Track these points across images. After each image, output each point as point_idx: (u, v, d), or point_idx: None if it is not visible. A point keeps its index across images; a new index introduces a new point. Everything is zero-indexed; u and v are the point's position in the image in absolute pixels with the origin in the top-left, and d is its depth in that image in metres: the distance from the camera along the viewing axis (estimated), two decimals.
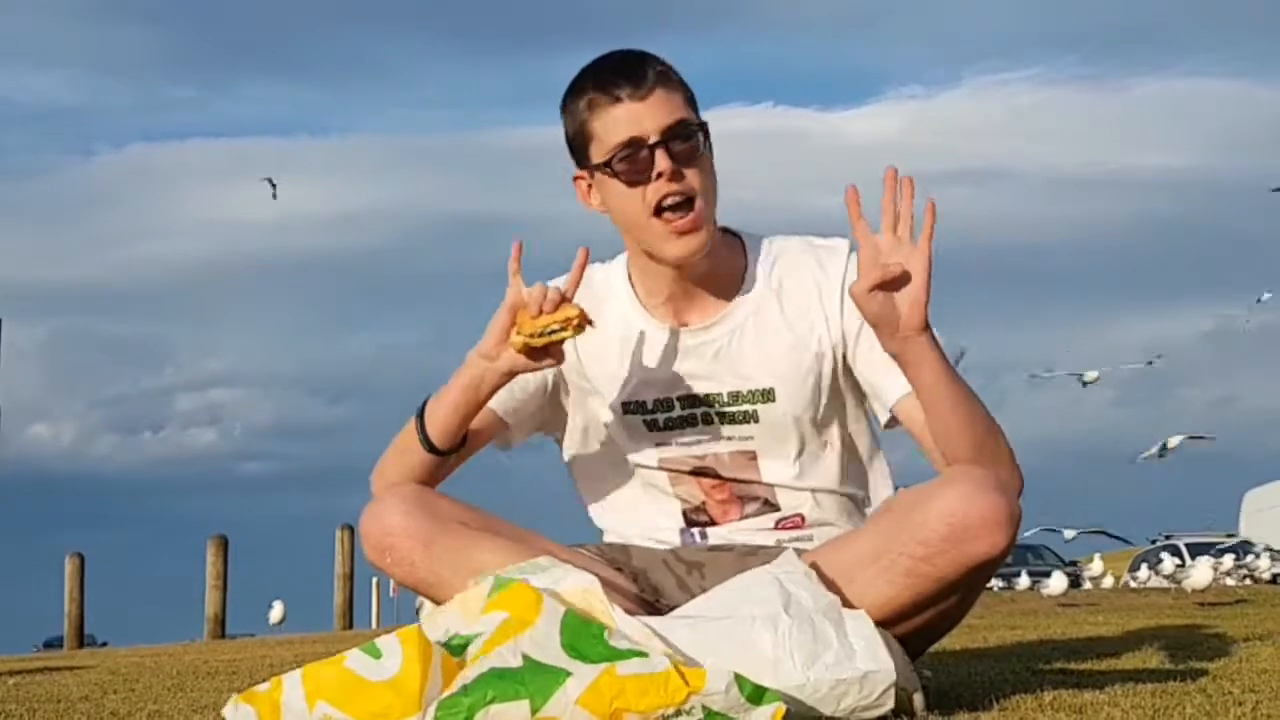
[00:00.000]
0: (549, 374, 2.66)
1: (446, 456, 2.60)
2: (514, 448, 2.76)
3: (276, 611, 18.54)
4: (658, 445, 2.65)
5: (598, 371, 2.65)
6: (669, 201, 2.49)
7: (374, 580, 23.80)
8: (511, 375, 2.53)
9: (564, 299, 2.47)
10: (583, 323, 2.45)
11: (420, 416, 2.58)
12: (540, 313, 2.45)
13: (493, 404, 2.61)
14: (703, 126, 2.53)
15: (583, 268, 2.53)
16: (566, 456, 2.78)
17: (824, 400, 2.61)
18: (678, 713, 2.01)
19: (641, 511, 2.71)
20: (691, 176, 2.50)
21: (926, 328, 2.36)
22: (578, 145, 2.57)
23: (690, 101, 2.55)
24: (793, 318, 2.59)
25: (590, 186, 2.57)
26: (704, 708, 2.00)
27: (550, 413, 2.73)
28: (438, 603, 2.53)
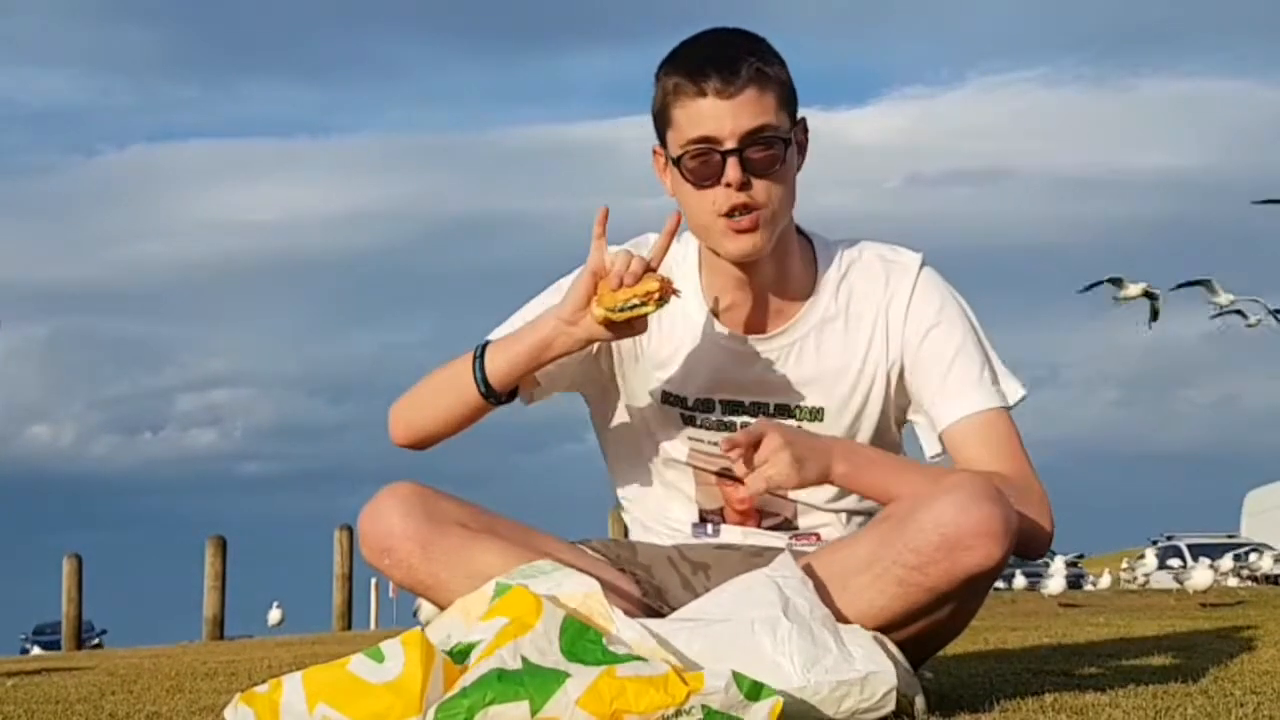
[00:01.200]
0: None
1: (497, 405, 2.53)
2: (534, 404, 2.64)
3: (275, 615, 18.55)
4: (690, 441, 2.61)
5: (648, 353, 2.59)
6: (734, 212, 2.42)
7: (373, 581, 23.80)
8: (589, 343, 2.47)
9: (648, 269, 2.38)
10: (665, 296, 2.34)
11: (479, 359, 2.51)
12: (620, 285, 2.35)
13: None
14: (790, 132, 2.44)
15: (672, 234, 2.45)
16: (598, 427, 2.73)
17: (871, 424, 2.56)
18: (678, 713, 2.00)
19: (658, 499, 2.68)
20: (761, 188, 2.40)
21: (829, 469, 2.38)
22: (659, 124, 2.47)
23: (785, 100, 2.43)
24: (855, 338, 2.54)
25: (666, 165, 2.50)
26: (704, 707, 2.00)
27: (584, 378, 2.65)
28: (437, 604, 2.53)
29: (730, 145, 2.38)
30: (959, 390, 2.50)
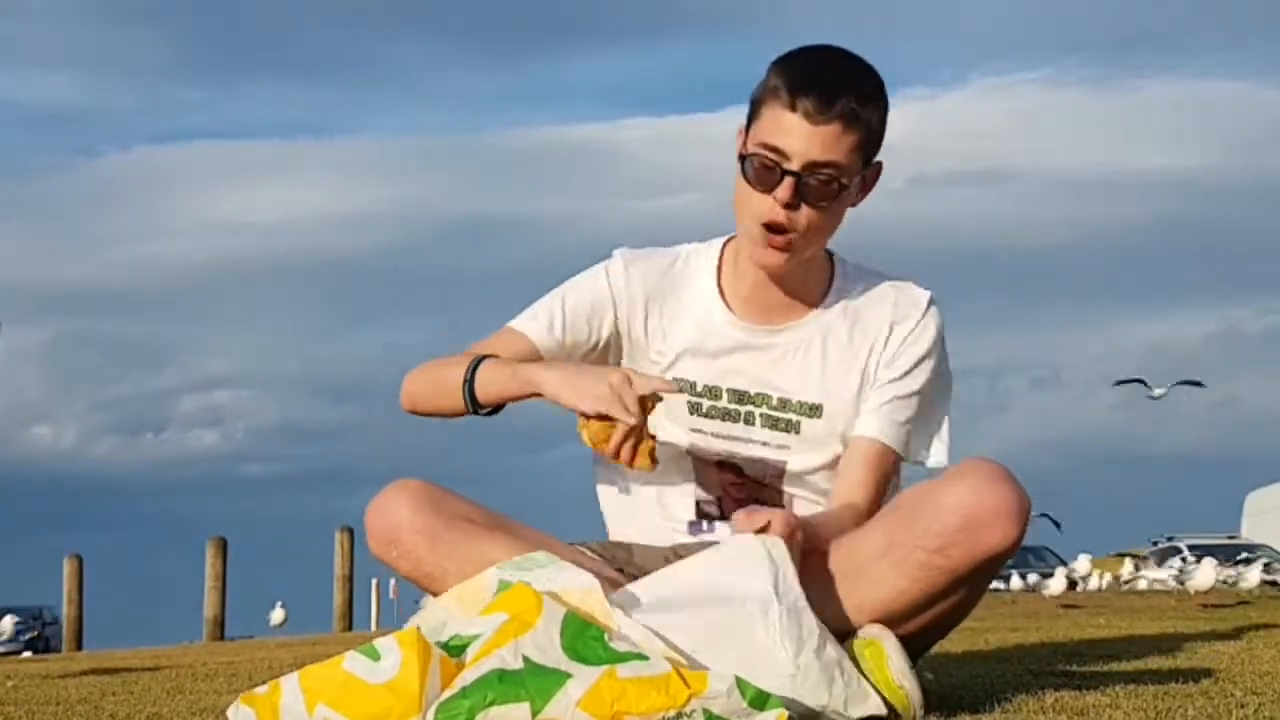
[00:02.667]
0: (603, 333, 2.67)
1: (481, 416, 2.62)
2: None
3: (278, 614, 18.54)
4: (692, 430, 2.66)
5: (661, 342, 2.67)
6: (773, 225, 2.51)
7: (373, 582, 23.83)
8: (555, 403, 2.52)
9: (644, 439, 2.44)
10: (619, 454, 2.42)
11: (472, 378, 2.58)
12: (612, 442, 2.42)
13: (537, 342, 2.64)
14: (857, 175, 2.51)
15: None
16: None
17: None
18: (679, 715, 2.00)
19: (656, 494, 2.71)
20: (804, 214, 2.49)
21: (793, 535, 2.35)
22: (752, 111, 2.55)
23: (865, 145, 2.50)
24: (858, 346, 2.64)
25: (744, 144, 2.55)
26: (705, 711, 2.00)
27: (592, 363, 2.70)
28: None
29: (793, 166, 2.47)
30: (888, 418, 2.62)
